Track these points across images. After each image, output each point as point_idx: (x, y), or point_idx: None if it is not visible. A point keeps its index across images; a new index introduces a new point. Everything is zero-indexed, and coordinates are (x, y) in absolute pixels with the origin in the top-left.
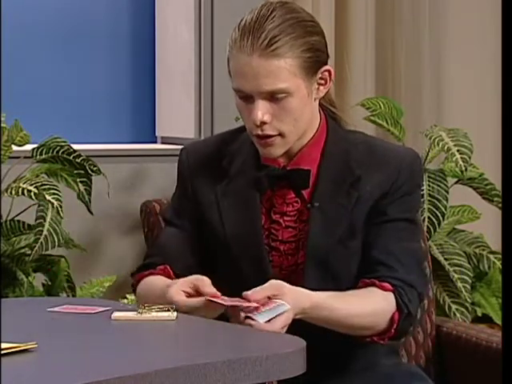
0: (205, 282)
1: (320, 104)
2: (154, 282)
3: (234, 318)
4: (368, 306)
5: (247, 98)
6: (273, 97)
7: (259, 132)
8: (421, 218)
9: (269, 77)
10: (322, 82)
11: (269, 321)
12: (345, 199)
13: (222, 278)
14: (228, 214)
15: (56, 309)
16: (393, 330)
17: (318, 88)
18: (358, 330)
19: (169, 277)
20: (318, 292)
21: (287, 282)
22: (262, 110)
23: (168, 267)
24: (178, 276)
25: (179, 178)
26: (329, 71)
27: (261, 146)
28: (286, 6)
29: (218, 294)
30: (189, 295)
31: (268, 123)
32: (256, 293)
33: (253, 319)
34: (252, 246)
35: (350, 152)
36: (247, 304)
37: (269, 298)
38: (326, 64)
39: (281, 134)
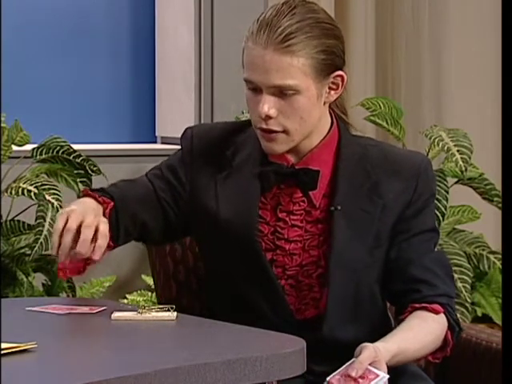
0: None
1: (333, 110)
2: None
3: None
4: (427, 336)
5: (256, 90)
6: (281, 92)
7: (263, 126)
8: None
9: (279, 72)
10: (334, 86)
11: None
12: (369, 205)
13: (210, 263)
14: (225, 202)
15: (36, 308)
16: (448, 350)
17: (329, 92)
18: (421, 358)
19: (103, 212)
20: (388, 339)
21: (296, 285)
22: (268, 104)
23: (112, 205)
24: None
25: (179, 155)
26: (341, 76)
27: (264, 139)
28: (307, 5)
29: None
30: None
31: (273, 118)
32: (360, 369)
33: None
34: (244, 229)
35: (364, 156)
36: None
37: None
38: (340, 69)
39: (285, 131)
